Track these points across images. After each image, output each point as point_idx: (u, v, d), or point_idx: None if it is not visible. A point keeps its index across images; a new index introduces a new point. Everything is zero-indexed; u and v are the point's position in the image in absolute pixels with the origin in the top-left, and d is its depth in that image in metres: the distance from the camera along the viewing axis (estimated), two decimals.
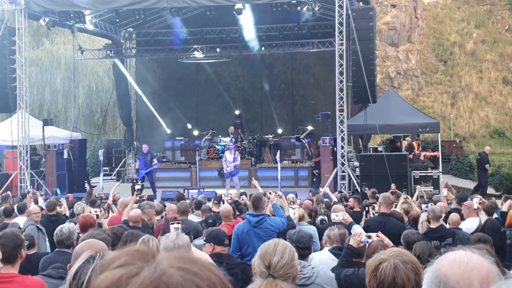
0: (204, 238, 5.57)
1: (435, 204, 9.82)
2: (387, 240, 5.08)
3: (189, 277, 1.13)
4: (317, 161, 20.58)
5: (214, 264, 4.41)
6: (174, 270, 1.13)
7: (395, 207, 9.47)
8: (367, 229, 6.30)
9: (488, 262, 1.69)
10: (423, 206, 8.00)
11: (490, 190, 21.99)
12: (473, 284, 1.63)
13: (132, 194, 10.97)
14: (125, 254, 1.20)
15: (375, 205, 8.18)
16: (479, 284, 1.62)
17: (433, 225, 7.10)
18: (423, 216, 7.45)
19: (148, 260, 1.17)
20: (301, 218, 7.92)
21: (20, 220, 9.03)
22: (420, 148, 22.55)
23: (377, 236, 5.13)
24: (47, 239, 8.20)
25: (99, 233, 4.53)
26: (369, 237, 5.09)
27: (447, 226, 7.62)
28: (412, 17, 41.62)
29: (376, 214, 7.58)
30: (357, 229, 6.29)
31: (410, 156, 19.58)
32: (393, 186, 13.33)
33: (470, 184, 23.56)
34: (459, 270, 1.66)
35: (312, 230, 7.35)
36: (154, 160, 19.53)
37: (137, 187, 11.12)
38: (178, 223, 5.58)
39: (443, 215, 8.77)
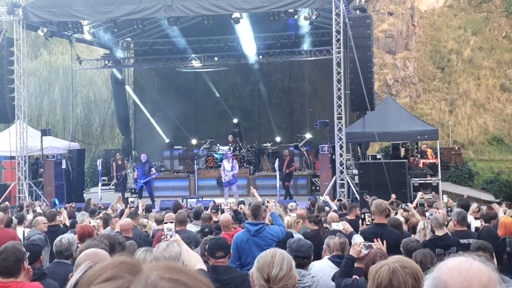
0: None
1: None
2: (384, 248, 5.08)
3: None
4: (292, 171, 20.36)
5: (202, 272, 4.36)
6: (165, 282, 1.11)
7: (395, 215, 9.41)
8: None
9: (489, 269, 1.66)
10: (427, 214, 7.89)
11: (490, 197, 21.99)
12: None
13: (126, 207, 10.98)
14: (111, 266, 1.16)
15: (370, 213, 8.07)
16: None
17: (438, 233, 6.99)
18: (420, 224, 7.33)
19: (136, 272, 1.14)
20: (289, 226, 7.85)
21: (19, 231, 9.02)
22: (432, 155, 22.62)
23: (376, 240, 5.14)
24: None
25: (96, 243, 4.51)
26: (368, 246, 5.08)
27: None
28: (409, 25, 41.76)
29: (371, 223, 7.40)
30: (358, 238, 6.26)
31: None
32: (393, 196, 13.23)
33: (469, 192, 23.52)
34: (459, 278, 1.63)
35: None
36: (153, 169, 19.50)
37: (130, 199, 11.12)
38: (171, 222, 5.45)
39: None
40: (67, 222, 10.40)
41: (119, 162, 21.45)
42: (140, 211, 11.33)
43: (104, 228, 9.01)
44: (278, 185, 19.35)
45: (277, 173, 19.42)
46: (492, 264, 1.71)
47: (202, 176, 22.00)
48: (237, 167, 19.50)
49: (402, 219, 9.11)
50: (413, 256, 4.95)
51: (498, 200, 19.46)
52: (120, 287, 1.10)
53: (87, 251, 3.73)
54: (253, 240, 6.57)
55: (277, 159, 20.68)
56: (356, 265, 5.16)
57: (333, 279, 5.11)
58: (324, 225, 9.01)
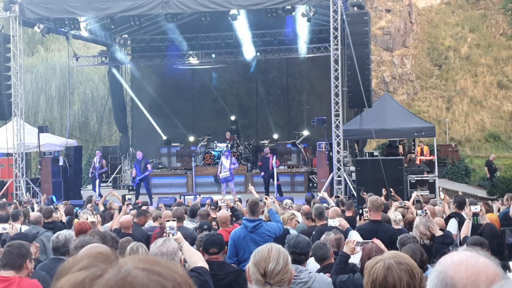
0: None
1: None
2: (382, 246, 5.08)
3: (154, 277, 1.12)
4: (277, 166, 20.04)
5: (202, 270, 4.38)
6: (139, 271, 1.12)
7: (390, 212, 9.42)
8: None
9: (494, 264, 1.66)
10: (419, 212, 7.89)
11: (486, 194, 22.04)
12: (480, 287, 1.61)
13: (123, 204, 10.97)
14: (87, 256, 1.18)
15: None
16: None
17: (438, 233, 6.98)
18: (417, 220, 7.31)
19: (111, 262, 1.16)
20: (284, 223, 7.85)
21: (16, 227, 9.00)
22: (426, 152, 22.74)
23: (372, 241, 5.14)
24: None
25: (90, 238, 4.53)
26: (363, 244, 5.08)
27: None
28: (406, 22, 41.78)
29: (367, 220, 7.40)
30: (354, 235, 6.26)
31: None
32: (392, 190, 13.23)
33: (466, 188, 23.58)
34: (466, 273, 1.62)
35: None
36: (148, 166, 19.53)
37: (128, 197, 11.10)
38: (173, 220, 5.44)
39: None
40: (64, 219, 10.39)
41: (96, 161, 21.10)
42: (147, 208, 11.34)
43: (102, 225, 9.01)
44: (275, 182, 19.34)
45: (275, 169, 19.38)
46: (495, 259, 1.71)
47: (199, 173, 22.01)
48: (236, 164, 19.63)
49: (399, 216, 9.12)
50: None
51: (493, 197, 19.51)
52: (92, 274, 1.12)
53: (90, 246, 3.75)
54: (250, 237, 6.59)
55: (274, 156, 20.45)
56: (350, 260, 5.17)
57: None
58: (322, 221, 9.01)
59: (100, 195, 19.65)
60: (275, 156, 19.91)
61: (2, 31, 19.10)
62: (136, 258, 1.18)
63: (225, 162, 19.22)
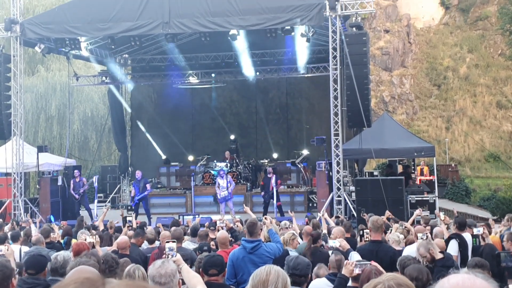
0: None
1: (432, 229, 9.76)
2: (381, 268, 5.03)
3: None
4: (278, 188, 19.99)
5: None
6: None
7: (390, 233, 9.38)
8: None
9: (492, 286, 1.65)
10: (419, 235, 7.82)
11: (487, 215, 21.94)
12: None
13: (123, 225, 10.87)
14: (74, 282, 1.17)
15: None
16: None
17: (439, 256, 6.92)
18: (417, 243, 7.26)
19: (97, 287, 1.15)
20: (285, 243, 7.78)
21: (15, 248, 8.93)
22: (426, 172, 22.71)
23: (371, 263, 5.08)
24: None
25: (87, 260, 4.49)
26: (362, 265, 5.03)
27: None
28: (405, 42, 42.03)
29: (368, 241, 7.34)
30: (355, 256, 6.20)
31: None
32: (387, 212, 13.15)
33: (466, 209, 23.48)
34: None
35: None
36: (147, 185, 19.45)
37: (129, 218, 11.03)
38: (173, 242, 5.38)
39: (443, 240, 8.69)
40: (60, 239, 10.32)
41: (77, 180, 20.34)
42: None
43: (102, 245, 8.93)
44: (275, 202, 19.26)
45: (274, 189, 19.29)
46: (494, 282, 1.69)
47: (198, 192, 21.94)
48: (233, 182, 19.50)
49: (401, 236, 9.06)
50: (406, 272, 4.91)
51: (494, 218, 19.42)
52: None
53: (76, 269, 3.71)
54: (249, 258, 6.52)
55: (274, 175, 20.34)
56: (352, 284, 5.11)
57: None
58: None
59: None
60: (275, 176, 19.80)
61: (3, 51, 19.18)
62: (123, 284, 1.16)
63: (222, 182, 19.20)
